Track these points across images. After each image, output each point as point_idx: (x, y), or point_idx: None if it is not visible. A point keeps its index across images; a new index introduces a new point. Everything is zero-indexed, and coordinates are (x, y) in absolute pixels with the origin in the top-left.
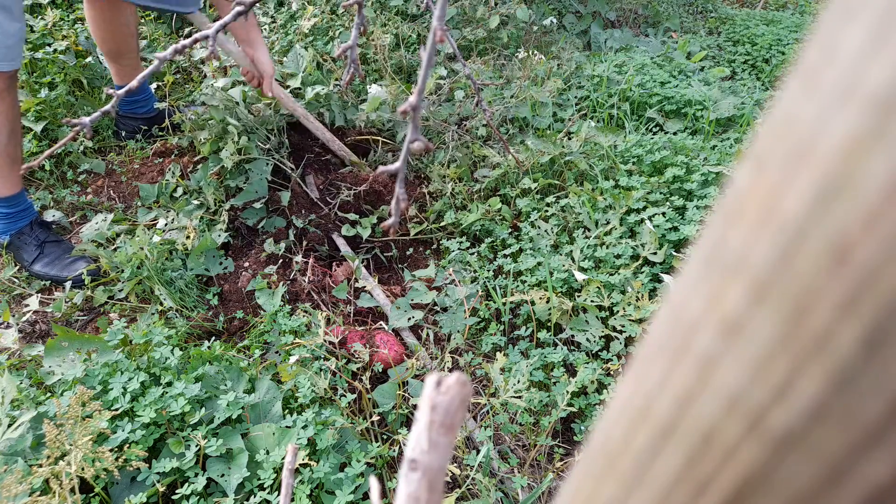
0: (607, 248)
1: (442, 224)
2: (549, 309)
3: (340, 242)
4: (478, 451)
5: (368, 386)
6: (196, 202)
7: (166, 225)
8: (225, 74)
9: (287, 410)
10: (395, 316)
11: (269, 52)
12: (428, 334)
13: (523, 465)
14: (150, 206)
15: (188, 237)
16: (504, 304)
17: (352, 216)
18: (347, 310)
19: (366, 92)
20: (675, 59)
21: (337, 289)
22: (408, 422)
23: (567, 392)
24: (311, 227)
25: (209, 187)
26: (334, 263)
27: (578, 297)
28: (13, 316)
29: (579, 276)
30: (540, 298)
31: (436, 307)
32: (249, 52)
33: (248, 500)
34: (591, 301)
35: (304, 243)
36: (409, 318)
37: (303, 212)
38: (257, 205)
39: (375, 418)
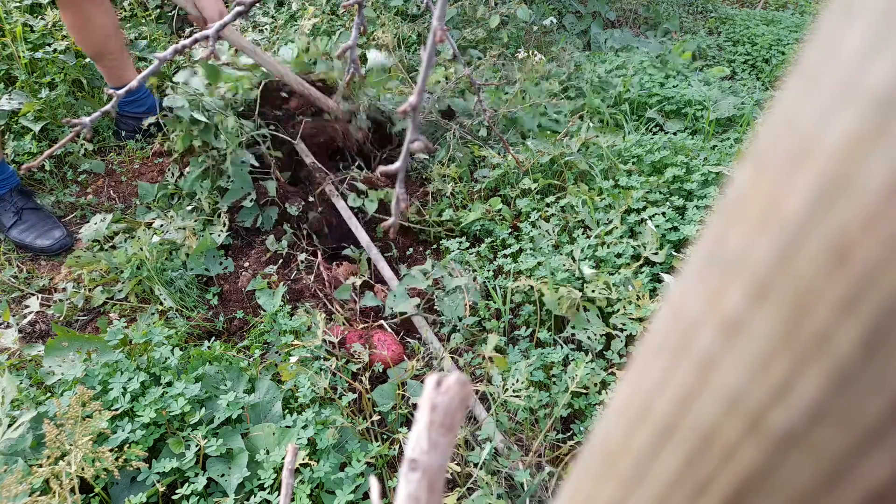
0: (608, 247)
1: (441, 220)
2: (559, 299)
3: (342, 206)
4: (483, 445)
5: (368, 386)
6: (189, 207)
7: (162, 226)
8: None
9: (287, 410)
10: (393, 303)
11: None
12: (427, 337)
13: (524, 464)
14: (149, 205)
15: (186, 238)
16: (507, 294)
17: (359, 186)
18: (349, 309)
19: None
20: (674, 61)
21: (339, 290)
22: (407, 422)
23: (567, 392)
24: (314, 211)
25: (202, 191)
26: (335, 263)
27: (586, 288)
28: (13, 316)
29: (587, 272)
30: (548, 289)
31: (434, 298)
32: None
33: (248, 499)
34: (599, 293)
35: (305, 232)
36: (406, 305)
37: (298, 198)
38: (247, 202)
39: (376, 418)
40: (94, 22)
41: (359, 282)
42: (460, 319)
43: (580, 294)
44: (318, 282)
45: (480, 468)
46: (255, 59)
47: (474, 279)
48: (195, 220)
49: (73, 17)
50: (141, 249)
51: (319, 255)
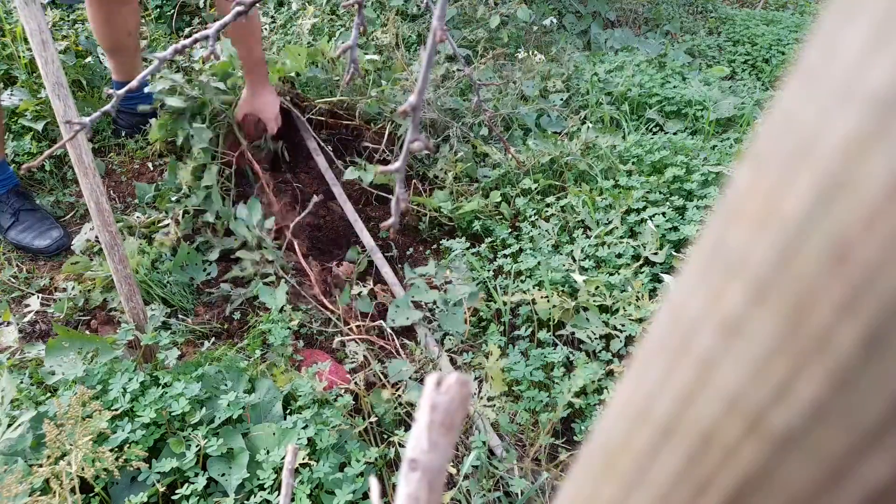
0: (608, 247)
1: (439, 209)
2: (551, 308)
3: (348, 209)
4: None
5: (364, 388)
6: (174, 198)
7: (150, 227)
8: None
9: (287, 411)
10: (394, 315)
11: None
12: (426, 338)
13: (522, 464)
14: (146, 205)
15: (167, 239)
16: (505, 304)
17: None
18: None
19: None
20: (672, 62)
21: (341, 298)
22: (404, 422)
23: (568, 390)
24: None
25: (181, 210)
26: (335, 263)
27: (579, 296)
28: (14, 316)
29: (578, 279)
30: (541, 297)
31: (436, 306)
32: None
33: (248, 499)
34: (593, 300)
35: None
36: (407, 318)
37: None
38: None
39: (373, 419)
40: (118, 16)
41: (365, 290)
42: (461, 334)
43: (573, 303)
44: (319, 284)
45: (465, 478)
46: None
47: (476, 285)
48: (177, 223)
49: (99, 10)
50: (131, 258)
51: (317, 263)
